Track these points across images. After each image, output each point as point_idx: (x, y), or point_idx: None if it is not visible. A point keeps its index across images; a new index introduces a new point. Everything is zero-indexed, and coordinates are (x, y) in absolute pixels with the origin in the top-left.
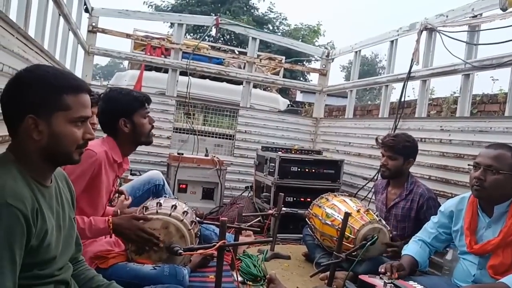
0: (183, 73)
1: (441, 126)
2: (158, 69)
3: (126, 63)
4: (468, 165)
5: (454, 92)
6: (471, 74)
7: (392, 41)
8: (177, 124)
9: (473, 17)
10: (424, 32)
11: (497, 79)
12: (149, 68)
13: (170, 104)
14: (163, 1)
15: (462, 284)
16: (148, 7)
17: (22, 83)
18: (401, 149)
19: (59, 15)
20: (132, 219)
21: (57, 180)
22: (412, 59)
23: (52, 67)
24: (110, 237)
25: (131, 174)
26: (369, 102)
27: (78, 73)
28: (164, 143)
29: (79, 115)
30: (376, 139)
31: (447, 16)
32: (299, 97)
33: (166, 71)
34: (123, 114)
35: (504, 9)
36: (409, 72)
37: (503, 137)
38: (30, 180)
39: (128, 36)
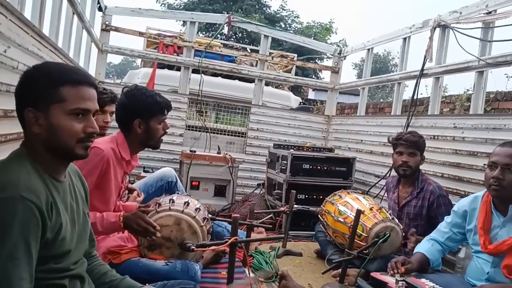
0: (195, 71)
1: (454, 124)
2: (170, 67)
3: (139, 61)
4: (484, 164)
5: (468, 90)
6: (485, 71)
7: (404, 38)
8: (190, 121)
9: (487, 13)
10: (437, 29)
11: (511, 76)
12: (162, 66)
13: (182, 102)
14: (176, 0)
15: (475, 282)
16: (161, 5)
17: (27, 78)
18: (420, 145)
19: (73, 13)
20: (138, 211)
21: (70, 175)
22: (425, 56)
23: (62, 64)
24: (123, 232)
25: (144, 171)
26: (381, 100)
27: (92, 71)
28: (176, 140)
29: (75, 106)
30: (389, 139)
31: (460, 13)
32: (311, 95)
33: (178, 69)
34: (141, 115)
35: None
36: (422, 69)
37: None
38: (44, 175)
39: (140, 34)
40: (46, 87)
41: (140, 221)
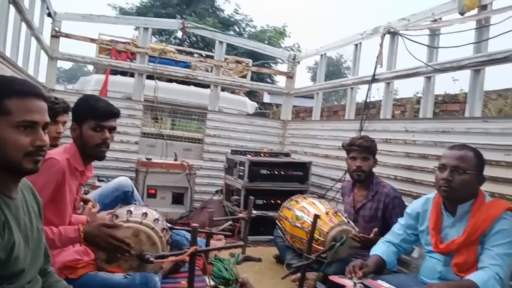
0: (149, 77)
1: (405, 127)
2: (124, 73)
3: (90, 67)
4: (434, 166)
5: (417, 92)
6: (432, 76)
7: (356, 45)
8: (145, 128)
9: (433, 21)
10: (387, 36)
11: (457, 79)
12: (115, 72)
13: (137, 108)
14: (128, 3)
15: (428, 281)
16: (113, 9)
17: None
18: (373, 149)
19: (21, 21)
20: (102, 227)
21: (23, 191)
22: (376, 62)
23: (5, 76)
24: (80, 245)
25: (98, 180)
26: (335, 103)
27: (42, 78)
28: (131, 148)
29: (22, 119)
30: (343, 145)
31: (409, 20)
32: (267, 98)
33: (132, 75)
34: (75, 118)
35: (462, 13)
36: (374, 75)
37: (464, 137)
38: None
39: (92, 40)
40: None
41: (109, 239)
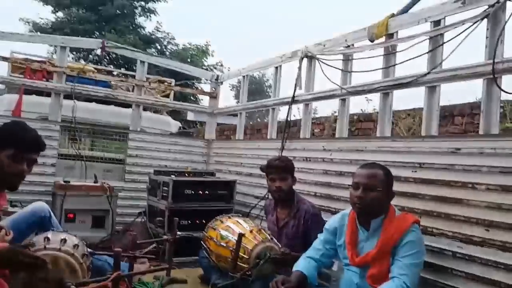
0: (67, 96)
1: (323, 146)
2: (39, 92)
3: (1, 85)
4: (349, 185)
5: (335, 112)
6: (346, 98)
7: (276, 67)
8: (62, 150)
9: (346, 47)
10: (305, 59)
11: (371, 100)
12: (30, 91)
13: (54, 129)
14: (42, 18)
15: None
16: (25, 24)
17: None
18: (289, 168)
19: None
20: (14, 247)
21: None
22: (295, 84)
23: None
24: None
25: (11, 205)
26: (258, 120)
27: None
28: (48, 171)
29: None
30: (261, 168)
31: (324, 45)
32: (190, 116)
33: (48, 95)
34: None
35: (372, 40)
36: (293, 96)
37: (376, 155)
38: None
39: (4, 59)
40: None
41: (22, 257)
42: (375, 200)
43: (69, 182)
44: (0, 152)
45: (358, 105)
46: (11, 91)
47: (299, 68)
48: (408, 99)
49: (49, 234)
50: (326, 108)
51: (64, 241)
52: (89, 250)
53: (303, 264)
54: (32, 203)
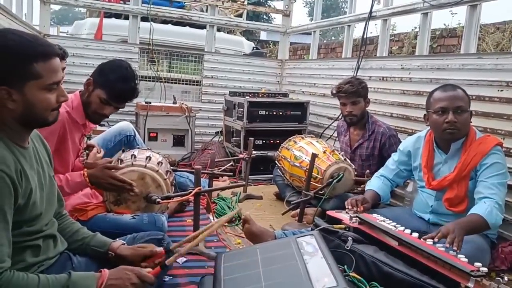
0: (144, 19)
1: (401, 65)
2: (118, 15)
3: (84, 10)
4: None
5: (415, 27)
6: (429, 12)
7: None
8: (142, 72)
9: None
10: None
11: (455, 13)
12: (109, 15)
13: (133, 51)
14: None
15: (421, 214)
16: None
17: None
18: (361, 91)
19: None
20: (104, 169)
21: (33, 141)
22: None
23: (17, 33)
24: (91, 189)
25: (100, 125)
26: (333, 38)
27: (35, 23)
28: None
29: (52, 81)
30: (332, 92)
31: None
32: (263, 35)
33: (126, 18)
34: (95, 79)
35: None
36: (370, 12)
37: (459, 74)
38: (9, 143)
39: None
40: (18, 64)
41: (111, 180)
42: (465, 122)
43: (150, 102)
44: (94, 89)
45: (441, 19)
46: (92, 14)
47: None
48: (498, 11)
49: (135, 152)
50: (405, 24)
51: (149, 158)
52: (171, 167)
53: (377, 184)
54: (118, 123)
